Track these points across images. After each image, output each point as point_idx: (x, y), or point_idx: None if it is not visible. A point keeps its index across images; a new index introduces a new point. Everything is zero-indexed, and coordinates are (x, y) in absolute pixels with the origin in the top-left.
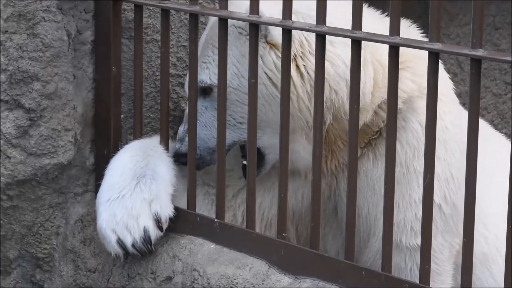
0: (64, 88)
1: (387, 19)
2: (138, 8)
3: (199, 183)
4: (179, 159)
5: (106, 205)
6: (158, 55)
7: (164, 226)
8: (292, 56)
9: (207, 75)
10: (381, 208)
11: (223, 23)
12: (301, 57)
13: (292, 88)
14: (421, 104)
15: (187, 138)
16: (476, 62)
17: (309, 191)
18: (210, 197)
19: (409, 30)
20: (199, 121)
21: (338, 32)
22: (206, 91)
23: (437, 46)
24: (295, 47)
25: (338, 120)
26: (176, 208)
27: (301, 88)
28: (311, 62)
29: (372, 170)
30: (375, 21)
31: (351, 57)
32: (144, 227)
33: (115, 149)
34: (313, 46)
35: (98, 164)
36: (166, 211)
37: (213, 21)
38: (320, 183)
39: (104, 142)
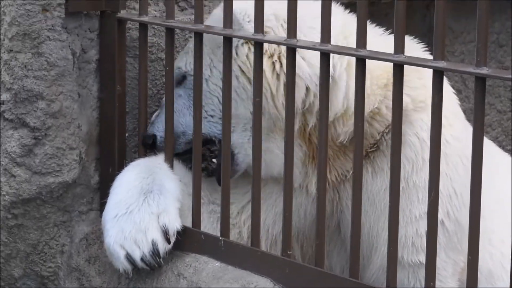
0: (69, 106)
1: (389, 37)
2: (143, 27)
3: (204, 201)
4: (144, 139)
5: (114, 221)
6: (162, 74)
7: (172, 239)
8: (269, 53)
9: (184, 62)
10: (382, 223)
11: (227, 41)
12: (278, 55)
13: (265, 85)
14: (417, 117)
15: (155, 122)
16: (481, 80)
17: (312, 208)
18: (215, 215)
19: (410, 44)
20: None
21: (342, 51)
22: (181, 78)
23: (441, 64)
24: (273, 47)
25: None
26: (182, 226)
27: (276, 86)
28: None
29: (371, 183)
30: (376, 38)
31: (355, 76)
32: (153, 240)
33: (120, 167)
34: None
35: (103, 183)
36: (174, 224)
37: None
38: (325, 200)
39: (108, 161)
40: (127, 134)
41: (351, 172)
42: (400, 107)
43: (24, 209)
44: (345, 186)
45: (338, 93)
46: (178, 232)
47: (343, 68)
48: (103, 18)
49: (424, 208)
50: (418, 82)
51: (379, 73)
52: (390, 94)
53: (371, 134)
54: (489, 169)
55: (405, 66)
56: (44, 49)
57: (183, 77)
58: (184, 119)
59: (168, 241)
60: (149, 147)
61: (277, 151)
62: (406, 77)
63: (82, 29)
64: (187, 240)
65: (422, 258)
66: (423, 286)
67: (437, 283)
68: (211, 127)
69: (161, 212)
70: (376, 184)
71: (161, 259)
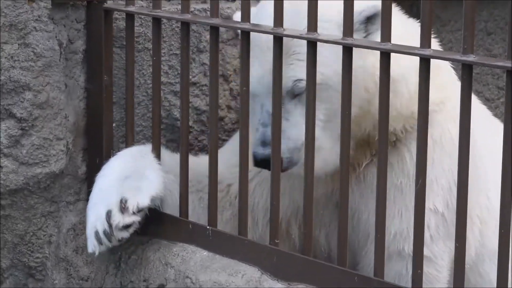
0: (55, 97)
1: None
2: (130, 17)
3: (193, 190)
4: (266, 165)
5: (93, 209)
6: (149, 64)
7: (129, 212)
8: None
9: (300, 72)
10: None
11: (214, 31)
12: None
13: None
14: (437, 119)
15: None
16: (468, 67)
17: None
18: (204, 203)
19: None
20: (288, 121)
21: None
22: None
23: (428, 52)
24: None
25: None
26: (168, 216)
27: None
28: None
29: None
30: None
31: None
32: (107, 211)
33: (107, 157)
34: None
35: (90, 173)
36: (136, 200)
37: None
38: (312, 188)
39: (96, 151)
40: (114, 125)
41: (363, 164)
42: (426, 101)
43: (12, 200)
44: (351, 175)
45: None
46: (154, 220)
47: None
48: (89, 9)
49: (428, 204)
50: (447, 79)
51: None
52: None
53: (395, 132)
54: (494, 150)
55: (436, 64)
56: (31, 40)
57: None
58: (302, 131)
59: (123, 211)
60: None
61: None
62: (434, 75)
63: (68, 19)
64: (174, 229)
65: (425, 250)
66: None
67: (434, 272)
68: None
69: (129, 191)
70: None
71: (114, 232)
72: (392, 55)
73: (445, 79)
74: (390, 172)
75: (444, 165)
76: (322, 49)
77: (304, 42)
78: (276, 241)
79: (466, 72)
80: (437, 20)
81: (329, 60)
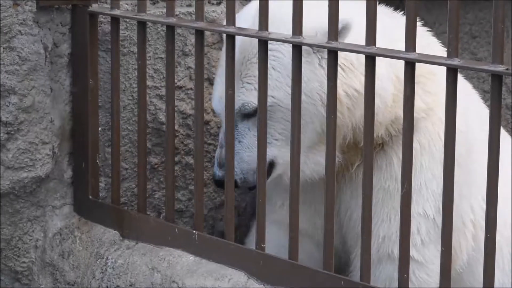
0: (41, 101)
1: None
2: (115, 21)
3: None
4: (222, 185)
5: None
6: (135, 67)
7: None
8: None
9: (255, 96)
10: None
11: (199, 35)
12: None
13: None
14: (424, 125)
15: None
16: (452, 71)
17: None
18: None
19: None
20: (242, 143)
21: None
22: (252, 112)
23: (413, 55)
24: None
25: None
26: (155, 220)
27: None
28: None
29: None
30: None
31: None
32: None
33: (93, 161)
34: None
35: (76, 177)
36: None
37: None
38: (298, 192)
39: (81, 155)
40: (100, 129)
41: (355, 165)
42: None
43: None
44: (344, 175)
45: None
46: None
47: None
48: (74, 12)
49: (417, 208)
50: (436, 85)
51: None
52: None
53: (381, 137)
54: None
55: (425, 69)
56: (16, 44)
57: (255, 111)
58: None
59: None
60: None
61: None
62: (423, 79)
63: (53, 23)
64: (161, 234)
65: (413, 253)
66: (413, 279)
67: (425, 277)
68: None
69: None
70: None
71: None
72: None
73: (437, 85)
74: (378, 175)
75: (434, 170)
76: (272, 72)
77: (254, 64)
78: (263, 245)
79: (451, 76)
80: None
81: (280, 82)
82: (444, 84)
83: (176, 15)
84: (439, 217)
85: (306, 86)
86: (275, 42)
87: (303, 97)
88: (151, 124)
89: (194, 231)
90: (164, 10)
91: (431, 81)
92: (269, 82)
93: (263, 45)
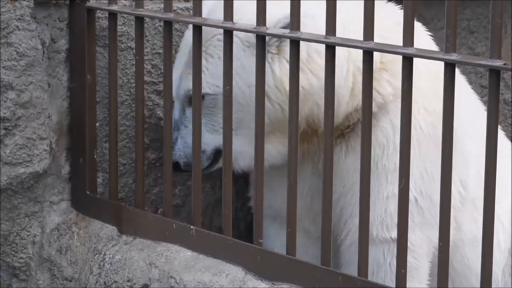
0: (39, 97)
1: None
2: (112, 16)
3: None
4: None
5: None
6: (133, 63)
7: None
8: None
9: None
10: (348, 198)
11: (197, 30)
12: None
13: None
14: (395, 106)
15: (174, 146)
16: (450, 66)
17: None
18: (310, 251)
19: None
20: (188, 128)
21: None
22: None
23: (411, 50)
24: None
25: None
26: (153, 215)
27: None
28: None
29: (344, 161)
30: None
31: (325, 64)
32: None
33: (91, 157)
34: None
35: (74, 173)
36: None
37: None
38: (296, 189)
39: (79, 151)
40: (97, 124)
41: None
42: (370, 97)
43: None
44: (320, 153)
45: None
46: None
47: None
48: (72, 8)
49: (393, 189)
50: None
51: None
52: (376, 84)
53: (349, 118)
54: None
55: (387, 56)
56: (13, 39)
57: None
58: (202, 137)
59: None
60: (174, 168)
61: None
62: (392, 65)
63: (51, 18)
64: (158, 229)
65: (393, 235)
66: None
67: (413, 261)
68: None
69: None
70: (347, 163)
71: None
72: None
73: (420, 68)
74: (353, 157)
75: (412, 154)
76: (218, 62)
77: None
78: (260, 240)
79: (448, 71)
80: (420, 18)
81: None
82: (425, 67)
83: (174, 10)
84: (421, 200)
85: (251, 78)
86: (221, 33)
87: (248, 89)
88: (149, 120)
89: (191, 227)
90: (162, 5)
91: (400, 66)
92: (214, 71)
93: (228, 35)
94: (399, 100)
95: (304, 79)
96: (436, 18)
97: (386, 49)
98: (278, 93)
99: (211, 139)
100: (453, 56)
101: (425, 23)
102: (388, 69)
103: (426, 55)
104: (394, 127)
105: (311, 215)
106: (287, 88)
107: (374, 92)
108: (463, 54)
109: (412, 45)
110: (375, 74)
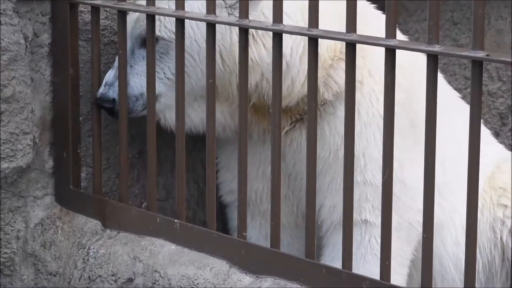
0: (21, 91)
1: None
2: (95, 10)
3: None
4: (103, 103)
5: None
6: (116, 57)
7: None
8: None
9: (158, 26)
10: (321, 181)
11: (180, 24)
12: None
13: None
14: (361, 91)
15: (114, 84)
16: (433, 57)
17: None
18: (257, 222)
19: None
20: (133, 68)
21: (295, 31)
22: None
23: (393, 42)
24: None
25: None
26: (137, 209)
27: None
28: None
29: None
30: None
31: (308, 56)
32: None
33: (74, 151)
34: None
35: (58, 167)
36: None
37: None
38: (279, 180)
39: (63, 145)
40: (81, 118)
41: (284, 130)
42: (353, 88)
43: None
44: (284, 137)
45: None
46: None
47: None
48: (55, 2)
49: (358, 178)
50: (360, 61)
51: (325, 55)
52: (332, 72)
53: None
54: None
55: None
56: None
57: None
58: (144, 82)
59: None
60: (107, 111)
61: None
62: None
63: (34, 13)
64: (142, 223)
65: (369, 217)
66: (373, 242)
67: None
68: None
69: None
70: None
71: None
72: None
73: (365, 60)
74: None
75: (370, 137)
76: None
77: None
78: (244, 233)
79: (431, 62)
80: (404, 9)
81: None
82: (373, 59)
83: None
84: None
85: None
86: None
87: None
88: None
89: (175, 220)
90: None
91: (359, 56)
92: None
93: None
94: (358, 91)
95: (255, 52)
96: (420, 9)
97: (368, 41)
98: (230, 58)
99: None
100: (436, 48)
101: (408, 14)
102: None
103: (408, 46)
104: (358, 114)
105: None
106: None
107: (330, 80)
108: (446, 46)
109: (394, 37)
110: (332, 63)
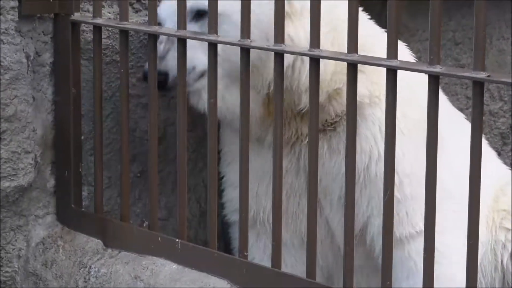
0: (23, 110)
1: None
2: (97, 29)
3: (259, 233)
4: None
5: None
6: (117, 76)
7: None
8: None
9: None
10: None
11: (181, 43)
12: None
13: None
14: (370, 112)
15: (166, 58)
16: (434, 78)
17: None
18: (262, 242)
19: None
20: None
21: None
22: (197, 15)
23: (395, 63)
24: None
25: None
26: (138, 228)
27: None
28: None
29: (329, 161)
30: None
31: (309, 76)
32: None
33: (76, 170)
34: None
35: (59, 186)
36: None
37: None
38: (281, 201)
39: (64, 164)
40: (82, 137)
41: (306, 137)
42: (354, 105)
43: None
44: (301, 147)
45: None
46: None
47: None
48: (56, 21)
49: (405, 191)
50: (380, 78)
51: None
52: None
53: (329, 112)
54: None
55: None
56: None
57: (200, 14)
58: (196, 54)
59: None
60: (160, 85)
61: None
62: (370, 69)
63: (36, 32)
64: (143, 242)
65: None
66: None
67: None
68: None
69: None
70: (333, 165)
71: None
72: None
73: (382, 74)
74: (337, 159)
75: (398, 153)
76: None
77: None
78: (246, 253)
79: (432, 83)
80: (405, 29)
81: None
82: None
83: (159, 23)
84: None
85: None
86: None
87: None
88: (134, 133)
89: (177, 240)
90: (147, 18)
91: (377, 71)
92: None
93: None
94: (376, 107)
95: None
96: (421, 29)
97: (370, 61)
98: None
99: (203, 58)
100: (437, 68)
101: (410, 34)
102: (366, 72)
103: (410, 67)
104: (373, 135)
105: (284, 219)
106: None
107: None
108: (447, 66)
109: (396, 57)
110: None
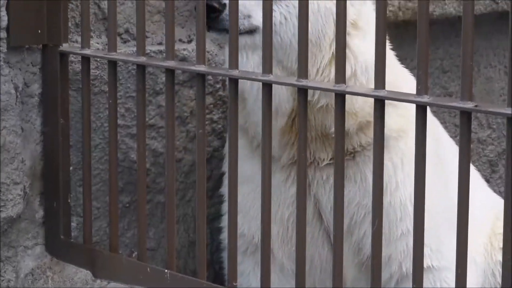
0: (12, 141)
1: None
2: (85, 60)
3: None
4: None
5: None
6: (106, 106)
7: None
8: None
9: None
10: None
11: (170, 74)
12: None
13: None
14: (396, 144)
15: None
16: (422, 108)
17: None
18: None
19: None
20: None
21: (285, 81)
22: None
23: (383, 93)
24: None
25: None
26: (127, 259)
27: None
28: None
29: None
30: None
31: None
32: None
33: (65, 201)
34: None
35: (48, 217)
36: None
37: None
38: (270, 225)
39: (53, 195)
40: (71, 168)
41: (324, 161)
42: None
43: None
44: (315, 171)
45: None
46: None
47: None
48: (45, 52)
49: (402, 228)
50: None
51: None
52: None
53: (354, 141)
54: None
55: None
56: None
57: None
58: (250, 3)
59: None
60: (213, 11)
61: None
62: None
63: (24, 63)
64: (133, 273)
65: (432, 262)
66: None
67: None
68: None
69: None
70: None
71: None
72: None
73: (408, 109)
74: (352, 189)
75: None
76: None
77: None
78: (234, 283)
79: (420, 113)
80: None
81: None
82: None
83: (147, 53)
84: None
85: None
86: None
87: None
88: (123, 163)
89: (166, 270)
90: (135, 48)
91: (403, 105)
92: None
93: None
94: (403, 139)
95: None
96: (409, 57)
97: (357, 91)
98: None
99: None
100: (425, 98)
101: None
102: (397, 105)
103: (398, 97)
104: (394, 165)
105: (288, 247)
106: None
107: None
108: (435, 96)
109: (383, 87)
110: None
